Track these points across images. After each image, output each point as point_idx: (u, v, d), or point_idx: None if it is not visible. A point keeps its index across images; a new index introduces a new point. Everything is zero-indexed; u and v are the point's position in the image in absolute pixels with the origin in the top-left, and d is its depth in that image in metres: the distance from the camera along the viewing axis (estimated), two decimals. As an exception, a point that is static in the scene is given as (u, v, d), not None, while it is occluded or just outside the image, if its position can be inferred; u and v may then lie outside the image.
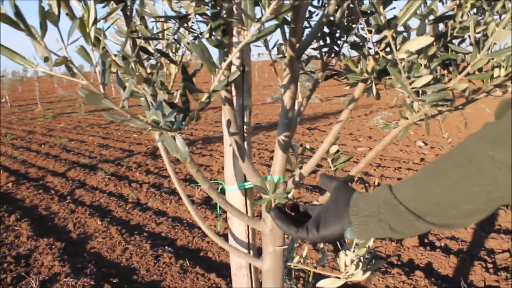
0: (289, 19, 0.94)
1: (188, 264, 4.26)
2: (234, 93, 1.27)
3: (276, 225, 0.92)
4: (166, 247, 4.69)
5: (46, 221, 5.82)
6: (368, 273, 1.22)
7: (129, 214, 5.87)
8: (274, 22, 0.71)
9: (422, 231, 0.76)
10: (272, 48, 1.50)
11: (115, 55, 0.98)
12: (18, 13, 0.52)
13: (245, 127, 1.26)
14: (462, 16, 0.89)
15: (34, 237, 5.13)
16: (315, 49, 1.37)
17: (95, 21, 0.65)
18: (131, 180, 7.52)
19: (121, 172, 8.09)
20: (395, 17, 0.81)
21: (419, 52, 0.85)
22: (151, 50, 0.90)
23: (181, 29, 0.93)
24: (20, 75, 36.21)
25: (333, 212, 0.86)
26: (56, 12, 0.57)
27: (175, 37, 0.92)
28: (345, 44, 1.34)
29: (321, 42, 1.35)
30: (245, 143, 1.31)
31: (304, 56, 1.47)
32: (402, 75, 0.85)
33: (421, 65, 0.96)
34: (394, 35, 0.80)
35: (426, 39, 0.73)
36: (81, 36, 0.69)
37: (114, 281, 4.03)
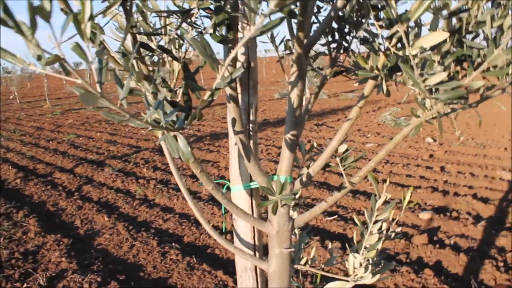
0: (296, 13, 0.90)
1: (195, 261, 4.24)
2: (239, 90, 1.24)
3: None
4: (173, 244, 4.68)
5: (54, 217, 5.83)
6: (378, 276, 1.18)
7: (136, 210, 5.86)
8: (280, 15, 0.68)
9: None
10: (279, 44, 1.47)
11: (118, 52, 0.95)
12: (6, 9, 0.49)
13: (251, 125, 1.22)
14: (478, 10, 0.85)
15: (41, 233, 5.14)
16: (323, 45, 1.33)
17: (91, 16, 0.62)
18: (138, 176, 7.52)
19: (128, 168, 8.09)
20: (407, 11, 0.77)
21: (433, 48, 0.81)
22: (153, 47, 0.87)
23: (184, 25, 0.90)
24: (29, 71, 36.35)
25: None
26: (48, 7, 0.53)
27: (178, 32, 0.89)
28: (354, 40, 1.30)
29: (330, 38, 1.32)
30: (251, 141, 1.28)
31: (312, 52, 1.43)
32: (415, 72, 0.81)
33: (434, 61, 0.92)
34: (407, 30, 0.76)
35: (441, 35, 0.69)
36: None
37: (121, 277, 4.02)
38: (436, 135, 9.24)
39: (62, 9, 0.63)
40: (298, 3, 0.86)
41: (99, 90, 0.66)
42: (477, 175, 6.30)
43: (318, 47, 1.44)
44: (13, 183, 7.50)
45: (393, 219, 4.95)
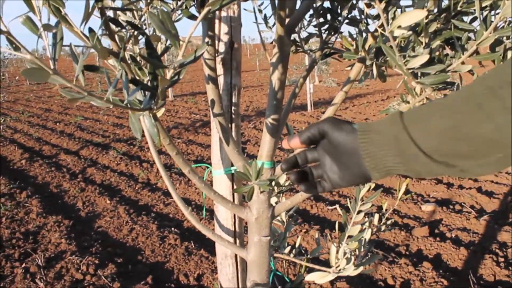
0: None
1: (193, 246, 4.24)
2: (222, 71, 1.19)
3: (302, 191, 0.84)
4: (173, 229, 4.68)
5: (57, 198, 5.85)
6: (361, 268, 1.14)
7: (138, 194, 5.87)
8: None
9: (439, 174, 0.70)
10: (274, 26, 1.41)
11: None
12: None
13: (233, 108, 1.18)
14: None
15: (43, 214, 5.16)
16: (314, 26, 1.28)
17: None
18: (142, 160, 7.52)
19: (133, 152, 8.10)
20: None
21: (413, 28, 0.76)
22: (122, 22, 0.82)
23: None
24: (40, 54, 36.50)
25: (343, 158, 0.79)
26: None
27: (145, 8, 0.84)
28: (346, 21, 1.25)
29: (321, 19, 1.26)
30: (233, 124, 1.24)
31: (304, 34, 1.38)
32: (396, 54, 0.76)
33: (421, 43, 0.87)
34: (386, 8, 0.71)
35: (419, 13, 0.64)
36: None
37: (119, 260, 4.03)
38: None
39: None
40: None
41: (52, 66, 0.62)
42: (483, 168, 6.20)
43: (311, 29, 1.39)
44: (18, 164, 7.55)
45: (395, 210, 4.90)
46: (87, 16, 0.75)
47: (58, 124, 11.52)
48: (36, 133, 10.28)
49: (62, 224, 4.86)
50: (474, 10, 0.80)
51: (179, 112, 12.75)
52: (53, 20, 0.75)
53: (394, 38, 0.73)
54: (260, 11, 1.33)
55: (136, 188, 6.06)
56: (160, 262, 4.04)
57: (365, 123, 0.76)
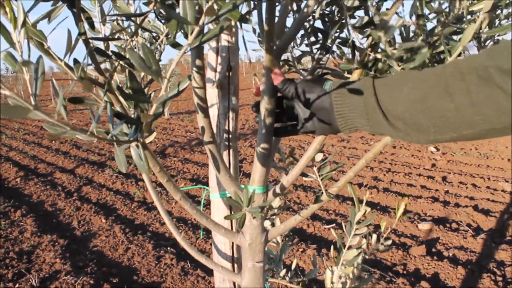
0: (248, 18, 0.86)
1: (190, 266, 4.20)
2: (219, 95, 1.20)
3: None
4: (169, 248, 4.64)
5: (51, 217, 5.81)
6: (355, 292, 1.13)
7: (134, 213, 5.83)
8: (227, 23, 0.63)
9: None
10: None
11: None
12: None
13: (230, 131, 1.18)
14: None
15: (38, 233, 5.11)
16: (306, 45, 1.29)
17: (25, 23, 0.58)
18: (138, 178, 7.49)
19: (129, 170, 8.07)
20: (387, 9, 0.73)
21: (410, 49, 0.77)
22: (109, 53, 0.82)
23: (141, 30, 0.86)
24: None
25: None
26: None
27: (134, 38, 0.85)
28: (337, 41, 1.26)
29: (313, 39, 1.27)
30: (231, 149, 1.24)
31: (297, 53, 1.38)
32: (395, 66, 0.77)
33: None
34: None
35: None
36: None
37: (114, 280, 3.99)
38: (439, 144, 9.14)
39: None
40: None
41: (33, 102, 0.61)
42: (479, 186, 6.21)
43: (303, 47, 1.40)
44: (13, 182, 7.50)
45: (392, 229, 4.88)
46: (69, 48, 0.76)
47: (53, 142, 11.49)
48: (32, 151, 10.24)
49: (57, 243, 4.81)
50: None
51: (175, 130, 12.76)
52: (35, 51, 0.76)
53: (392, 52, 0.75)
54: (254, 31, 1.34)
55: (132, 207, 6.02)
56: (156, 282, 3.99)
57: (339, 83, 0.85)
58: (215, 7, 0.57)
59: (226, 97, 1.21)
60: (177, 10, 0.77)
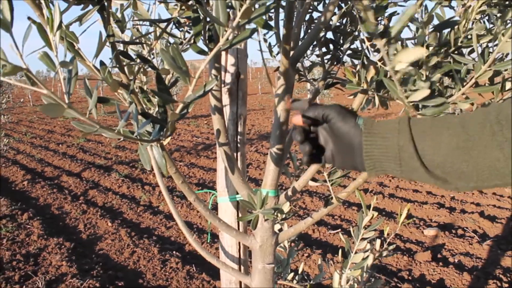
0: (272, 25, 0.88)
1: (195, 270, 4.21)
2: (228, 101, 1.22)
3: (306, 161, 0.87)
4: (174, 252, 4.66)
5: (58, 220, 5.85)
6: (364, 295, 1.15)
7: (139, 217, 5.86)
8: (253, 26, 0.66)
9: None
10: (278, 54, 1.44)
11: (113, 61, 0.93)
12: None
13: (238, 137, 1.20)
14: (466, 25, 0.82)
15: (44, 236, 5.15)
16: (317, 56, 1.31)
17: (60, 25, 0.60)
18: (144, 182, 7.53)
19: (135, 174, 8.11)
20: (386, 25, 0.75)
21: (415, 63, 0.79)
22: (132, 55, 0.85)
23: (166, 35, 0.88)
24: (44, 75, 36.86)
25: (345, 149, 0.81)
26: (8, 17, 0.52)
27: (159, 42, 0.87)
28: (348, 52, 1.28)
29: (324, 49, 1.29)
30: (239, 153, 1.26)
31: (307, 63, 1.41)
32: (397, 87, 0.78)
33: (422, 75, 0.90)
34: (387, 44, 0.73)
35: (419, 51, 0.67)
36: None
37: (120, 284, 4.01)
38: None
39: (29, 18, 0.61)
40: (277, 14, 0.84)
41: (66, 100, 0.64)
42: (485, 192, 6.20)
43: (313, 57, 1.42)
44: (20, 185, 7.56)
45: (397, 235, 4.88)
46: (99, 50, 0.78)
47: (60, 145, 11.56)
48: (39, 155, 10.31)
49: (63, 246, 4.84)
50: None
51: (181, 135, 12.81)
52: (67, 54, 0.78)
53: (395, 72, 0.76)
54: (265, 40, 1.37)
55: (138, 210, 6.05)
56: (162, 286, 4.01)
57: (371, 122, 0.78)
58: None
59: (235, 103, 1.24)
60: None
